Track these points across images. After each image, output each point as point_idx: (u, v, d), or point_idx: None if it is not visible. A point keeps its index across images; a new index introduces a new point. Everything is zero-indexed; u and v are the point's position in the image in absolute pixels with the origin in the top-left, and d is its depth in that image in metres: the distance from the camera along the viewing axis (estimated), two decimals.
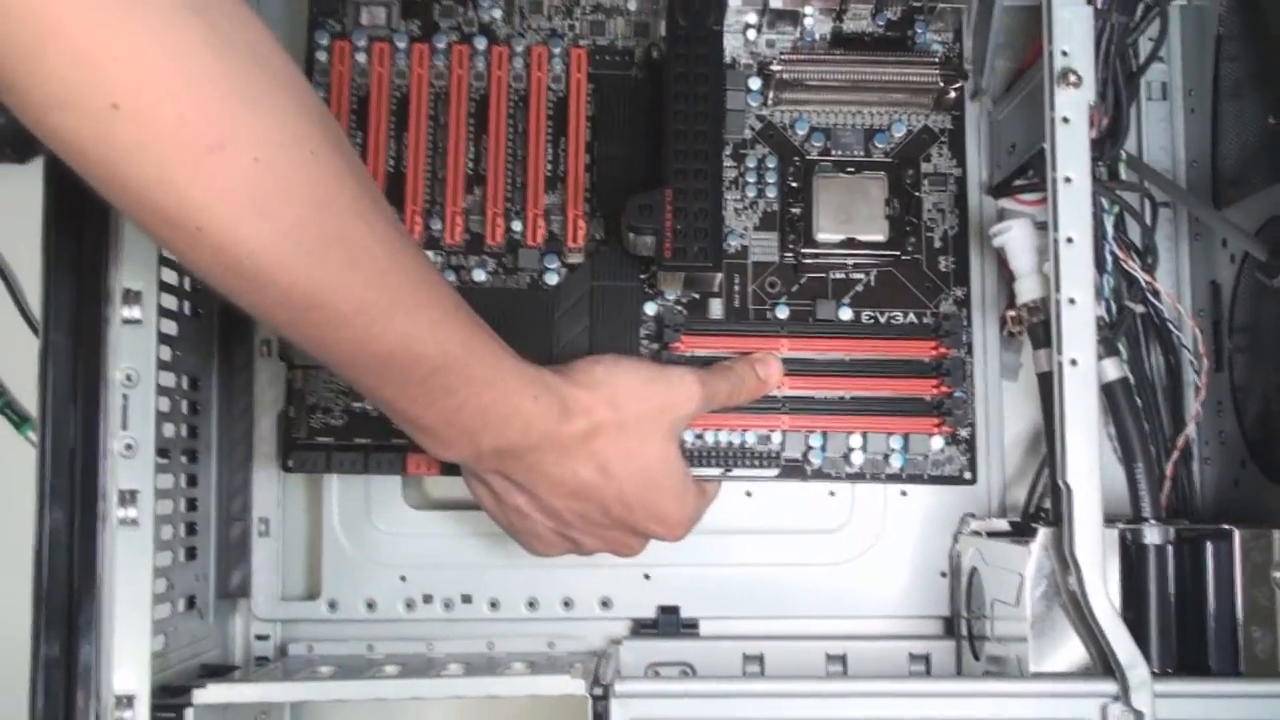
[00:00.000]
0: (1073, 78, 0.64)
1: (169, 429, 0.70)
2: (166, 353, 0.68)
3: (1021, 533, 0.74)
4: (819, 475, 0.74)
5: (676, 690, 0.65)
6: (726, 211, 0.76)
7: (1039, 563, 0.66)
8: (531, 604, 0.81)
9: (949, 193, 0.77)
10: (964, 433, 0.74)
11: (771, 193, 0.77)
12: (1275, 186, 0.71)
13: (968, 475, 0.75)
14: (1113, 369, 0.69)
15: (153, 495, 0.64)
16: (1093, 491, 0.62)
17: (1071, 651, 0.66)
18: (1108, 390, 0.68)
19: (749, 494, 0.81)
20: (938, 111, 0.77)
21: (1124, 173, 0.73)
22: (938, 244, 0.76)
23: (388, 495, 0.81)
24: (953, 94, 0.76)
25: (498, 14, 0.78)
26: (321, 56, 0.77)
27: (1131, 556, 0.67)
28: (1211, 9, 0.79)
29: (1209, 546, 0.67)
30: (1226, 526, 0.67)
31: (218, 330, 0.78)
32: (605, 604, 0.81)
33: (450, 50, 0.77)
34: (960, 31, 0.78)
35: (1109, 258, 0.70)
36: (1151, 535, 0.67)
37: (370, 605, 0.80)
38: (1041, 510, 0.76)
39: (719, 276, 0.73)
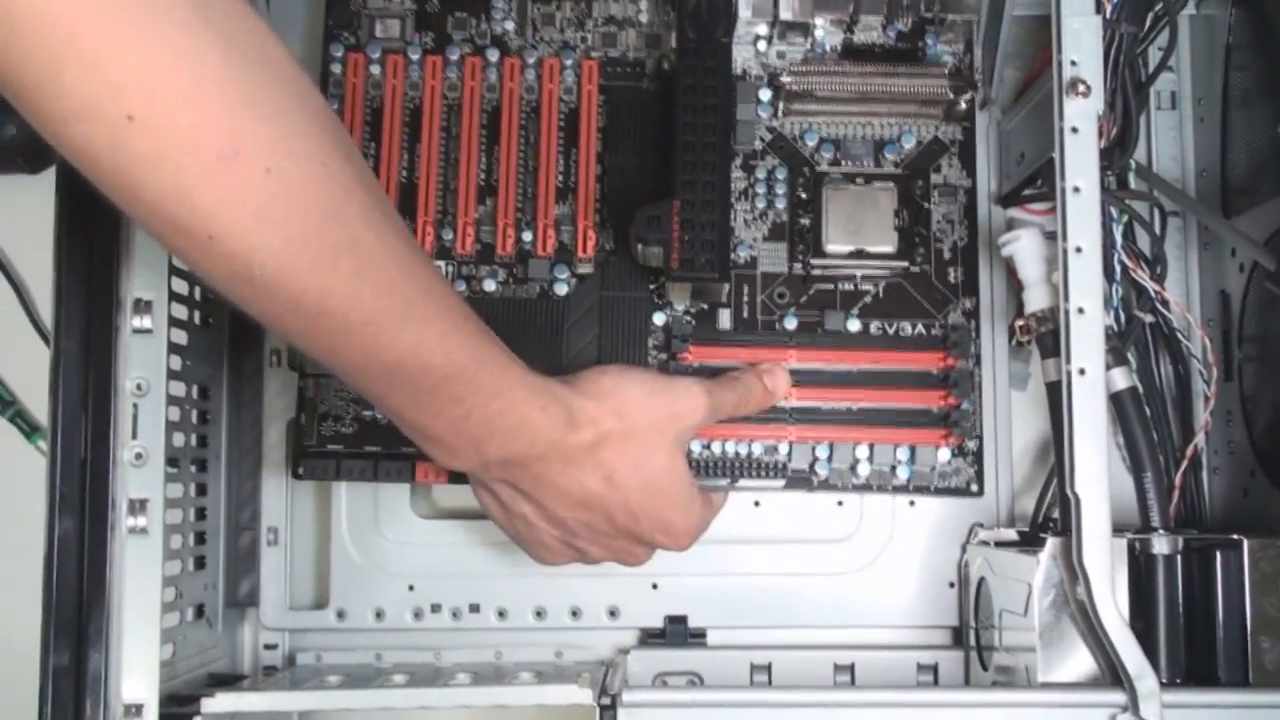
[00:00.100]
0: (1081, 87, 0.64)
1: (179, 438, 0.70)
2: (177, 362, 0.68)
3: (1030, 542, 0.74)
4: (826, 486, 0.74)
5: (684, 700, 0.65)
6: (736, 222, 0.76)
7: (1047, 572, 0.66)
8: (539, 613, 0.81)
9: (958, 204, 0.77)
10: (971, 444, 0.74)
11: (781, 204, 0.77)
12: None
13: (974, 487, 0.75)
14: (1121, 378, 0.69)
15: (162, 504, 0.64)
16: (1101, 501, 0.62)
17: (1080, 662, 0.65)
18: (1116, 400, 0.68)
19: (757, 503, 0.81)
20: (948, 123, 0.78)
21: (1133, 182, 0.73)
22: (946, 255, 0.76)
23: (396, 505, 0.81)
24: (963, 105, 0.76)
25: (510, 26, 0.79)
26: (336, 69, 0.78)
27: (1140, 566, 0.67)
28: (1221, 19, 0.79)
29: (1218, 556, 0.66)
30: (1235, 536, 0.66)
31: (228, 339, 0.78)
32: (613, 613, 0.81)
33: (463, 62, 0.78)
34: (971, 43, 0.78)
35: (1118, 267, 0.70)
36: (1160, 545, 0.67)
37: (378, 614, 0.80)
38: (1050, 520, 0.76)
39: (726, 287, 0.73)
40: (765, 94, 0.77)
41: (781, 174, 0.77)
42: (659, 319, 0.75)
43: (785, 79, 0.76)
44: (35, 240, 0.66)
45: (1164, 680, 0.64)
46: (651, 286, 0.75)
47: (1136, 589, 0.67)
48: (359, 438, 0.75)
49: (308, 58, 0.79)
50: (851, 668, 0.80)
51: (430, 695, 0.68)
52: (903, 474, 0.74)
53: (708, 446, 0.74)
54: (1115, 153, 0.70)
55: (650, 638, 0.81)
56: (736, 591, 0.81)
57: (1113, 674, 0.63)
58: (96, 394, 0.63)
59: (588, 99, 0.77)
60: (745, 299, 0.76)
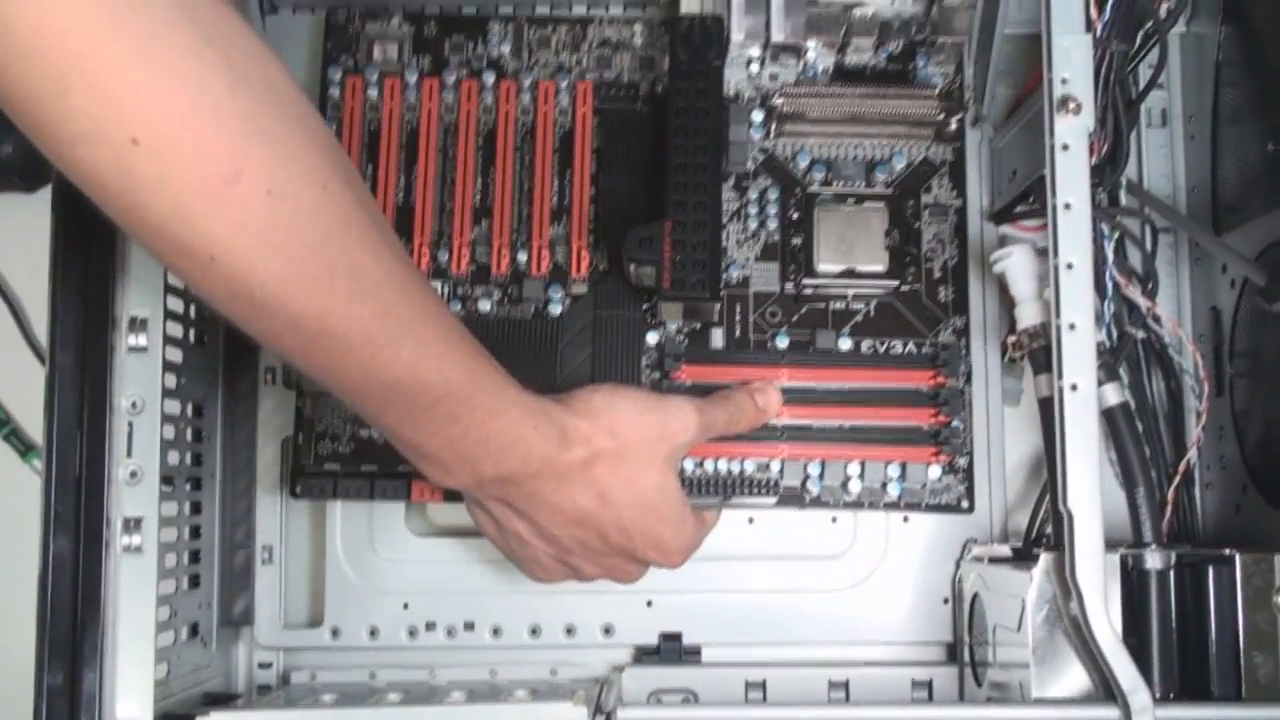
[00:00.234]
0: (1072, 105, 0.65)
1: (174, 456, 0.70)
2: (172, 380, 0.68)
3: (1023, 558, 0.74)
4: (817, 503, 0.75)
5: (679, 717, 0.66)
6: (729, 242, 0.76)
7: (1041, 588, 0.66)
8: (534, 631, 0.81)
9: (949, 223, 0.77)
10: (961, 461, 0.75)
11: (773, 224, 0.77)
12: (1275, 212, 0.71)
13: (965, 504, 0.75)
14: (1113, 394, 0.69)
15: (157, 522, 0.64)
16: (1094, 517, 0.62)
17: (1074, 677, 0.65)
18: (1109, 415, 0.69)
19: (751, 520, 0.81)
20: (938, 143, 0.78)
21: (1124, 199, 0.73)
22: (937, 274, 0.77)
23: (390, 523, 0.81)
24: (953, 126, 0.77)
25: (506, 49, 0.79)
26: (335, 91, 0.79)
27: (1133, 581, 0.67)
28: (1210, 37, 0.79)
29: (1210, 571, 0.67)
30: (1228, 551, 0.67)
31: (222, 357, 0.79)
32: (607, 631, 0.81)
33: (460, 85, 0.78)
34: (961, 64, 0.79)
35: (1109, 283, 0.70)
36: (1153, 560, 0.67)
37: (373, 633, 0.80)
38: (1043, 535, 0.76)
39: (718, 306, 0.74)
40: (757, 115, 0.78)
41: (773, 194, 0.77)
42: (652, 338, 0.76)
43: (777, 101, 0.76)
44: (30, 259, 0.66)
45: (1157, 695, 0.64)
46: (644, 306, 0.76)
47: (1130, 604, 0.66)
48: (356, 457, 0.75)
49: (307, 81, 0.80)
50: (846, 684, 0.79)
51: (425, 713, 0.68)
52: (893, 491, 0.74)
53: (700, 464, 0.74)
54: (1106, 170, 0.70)
55: (645, 655, 0.81)
56: (731, 608, 0.81)
57: (1106, 689, 0.63)
58: (91, 412, 0.64)
59: (582, 121, 0.78)
60: (737, 318, 0.76)
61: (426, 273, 0.76)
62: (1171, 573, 0.67)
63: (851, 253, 0.76)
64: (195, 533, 0.75)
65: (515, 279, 0.76)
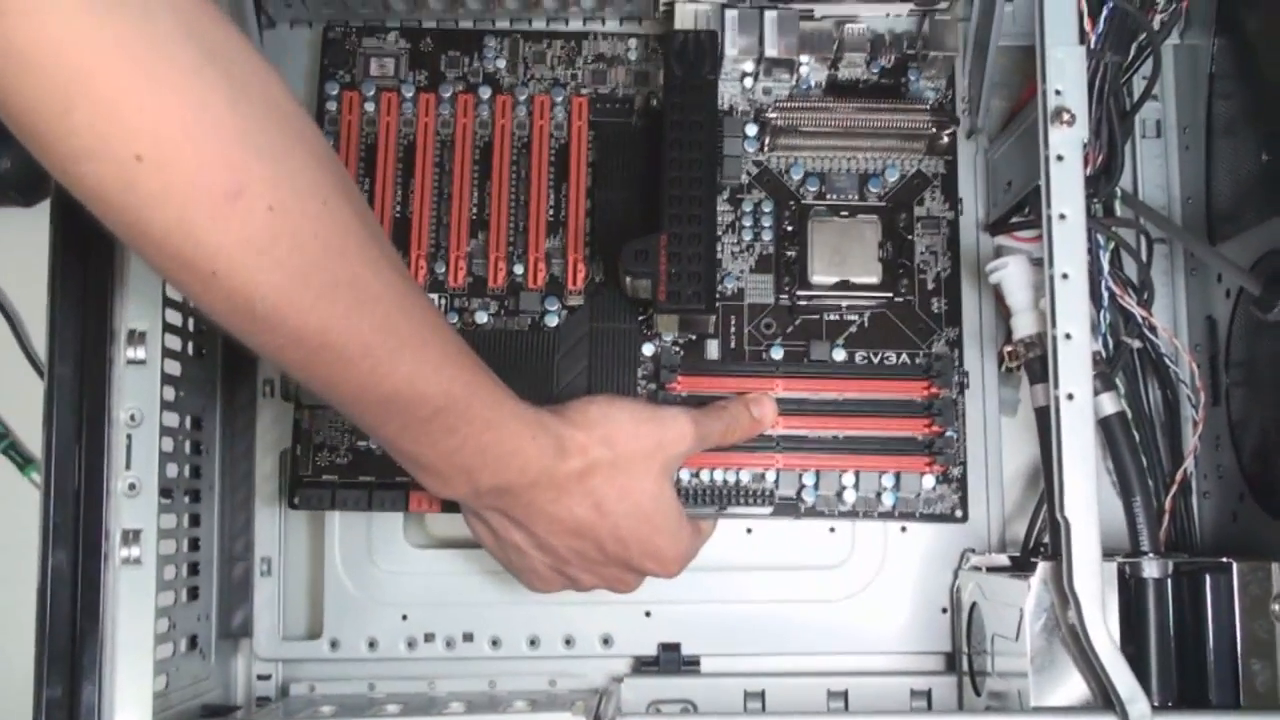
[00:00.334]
0: (1066, 116, 0.65)
1: (172, 469, 0.71)
2: (170, 393, 0.68)
3: (1021, 567, 0.74)
4: (812, 513, 0.75)
5: None
6: (723, 254, 0.77)
7: (1038, 597, 0.66)
8: (533, 642, 0.81)
9: (941, 235, 0.78)
10: (955, 471, 0.75)
11: (767, 236, 0.78)
12: (1269, 222, 0.71)
13: (959, 514, 0.75)
14: (1110, 403, 0.69)
15: (156, 535, 0.64)
16: (1091, 526, 0.62)
17: (1072, 686, 0.65)
18: (1105, 425, 0.69)
19: (750, 531, 0.81)
20: (930, 156, 0.78)
21: (1119, 209, 0.73)
22: (930, 286, 0.77)
23: (389, 534, 0.82)
24: (945, 139, 0.77)
25: (502, 64, 0.80)
26: (332, 106, 0.79)
27: (1131, 590, 0.67)
28: (1204, 48, 0.79)
29: (1208, 580, 0.67)
30: (1225, 560, 0.67)
31: (221, 370, 0.79)
32: (606, 641, 0.81)
33: (456, 99, 0.79)
34: (953, 78, 0.79)
35: (1105, 293, 0.70)
36: (1150, 569, 0.67)
37: (372, 644, 0.80)
38: (1041, 545, 0.76)
39: (713, 318, 0.74)
40: (751, 129, 0.78)
41: (768, 207, 0.78)
42: (648, 350, 0.76)
43: (771, 114, 0.77)
44: (29, 273, 0.67)
45: (1155, 704, 0.64)
46: (640, 318, 0.76)
47: (1127, 613, 0.67)
48: (353, 468, 0.75)
49: (304, 96, 0.80)
50: (845, 694, 0.79)
51: None
52: (888, 500, 0.75)
53: (696, 475, 0.74)
54: (1101, 180, 0.71)
55: (644, 665, 0.81)
56: (730, 619, 0.81)
57: (1104, 698, 0.63)
58: (90, 425, 0.64)
59: (578, 135, 0.78)
60: (732, 329, 0.76)
61: (424, 285, 0.76)
62: (1169, 581, 0.68)
63: (845, 265, 0.76)
64: (194, 545, 0.75)
65: (512, 291, 0.77)
